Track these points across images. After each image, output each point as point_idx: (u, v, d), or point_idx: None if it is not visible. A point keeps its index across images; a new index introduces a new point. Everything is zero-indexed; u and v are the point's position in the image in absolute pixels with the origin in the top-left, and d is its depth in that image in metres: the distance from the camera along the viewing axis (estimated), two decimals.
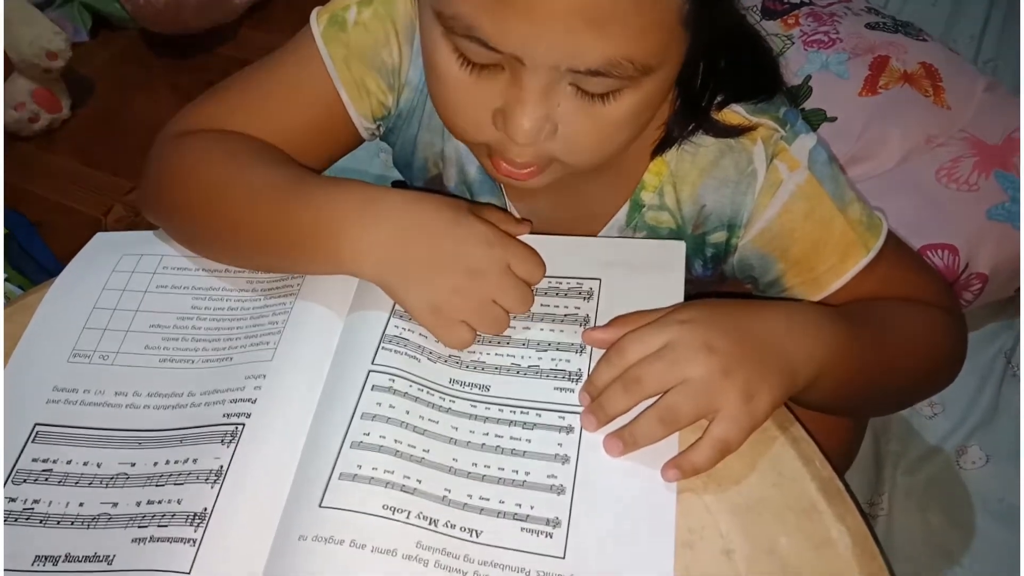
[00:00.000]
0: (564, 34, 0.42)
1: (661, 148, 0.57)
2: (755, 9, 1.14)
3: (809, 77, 1.04)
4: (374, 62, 0.59)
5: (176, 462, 0.47)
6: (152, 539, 0.44)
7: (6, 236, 1.27)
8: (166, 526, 0.44)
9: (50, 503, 0.46)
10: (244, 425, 0.48)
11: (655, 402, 0.46)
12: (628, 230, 0.60)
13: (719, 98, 0.55)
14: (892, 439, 0.99)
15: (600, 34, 0.42)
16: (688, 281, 0.64)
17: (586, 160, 0.50)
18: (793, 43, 1.08)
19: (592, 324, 0.51)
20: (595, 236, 0.61)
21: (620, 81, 0.45)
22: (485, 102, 0.48)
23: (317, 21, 0.59)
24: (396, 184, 0.78)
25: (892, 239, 0.58)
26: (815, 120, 1.01)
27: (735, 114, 0.55)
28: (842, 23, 1.11)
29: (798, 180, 0.55)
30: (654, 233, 0.60)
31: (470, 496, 0.45)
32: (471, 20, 0.43)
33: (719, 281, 0.66)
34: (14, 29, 1.45)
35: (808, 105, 1.02)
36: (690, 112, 0.55)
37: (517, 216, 0.64)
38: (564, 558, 0.43)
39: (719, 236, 0.59)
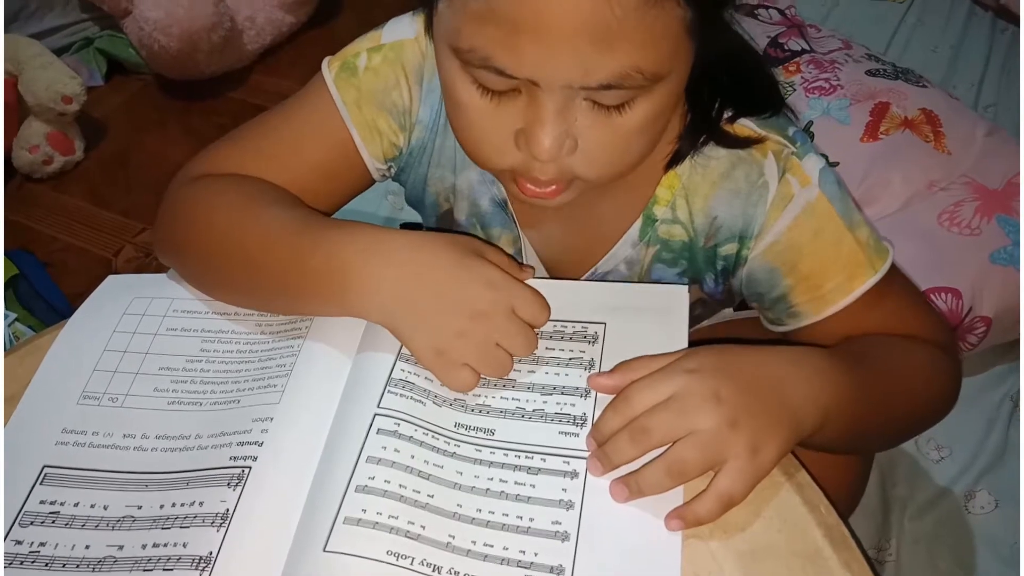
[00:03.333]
0: (574, 54, 0.44)
1: (673, 162, 0.58)
2: None
3: (811, 123, 1.06)
4: (385, 103, 0.61)
5: (182, 505, 0.47)
6: None
7: (16, 276, 1.29)
8: (171, 569, 0.44)
9: (56, 545, 0.46)
10: (251, 468, 0.48)
11: (663, 453, 0.46)
12: (641, 244, 0.61)
13: (728, 113, 0.56)
14: (899, 483, 0.99)
15: (608, 50, 0.44)
16: (699, 299, 0.65)
17: (607, 171, 0.51)
18: (795, 90, 1.10)
19: (597, 368, 0.52)
20: (608, 252, 0.62)
21: (633, 91, 0.46)
22: (506, 126, 0.49)
23: (329, 68, 0.61)
24: (405, 226, 0.79)
25: (897, 274, 0.58)
26: None
27: (745, 128, 0.57)
28: (843, 70, 1.13)
29: (809, 196, 0.56)
30: (667, 247, 0.61)
31: (474, 542, 0.45)
32: (486, 52, 0.45)
33: (729, 300, 0.66)
34: (31, 74, 1.48)
35: None
36: (701, 125, 0.56)
37: (528, 244, 0.66)
38: None
39: (730, 248, 0.59)
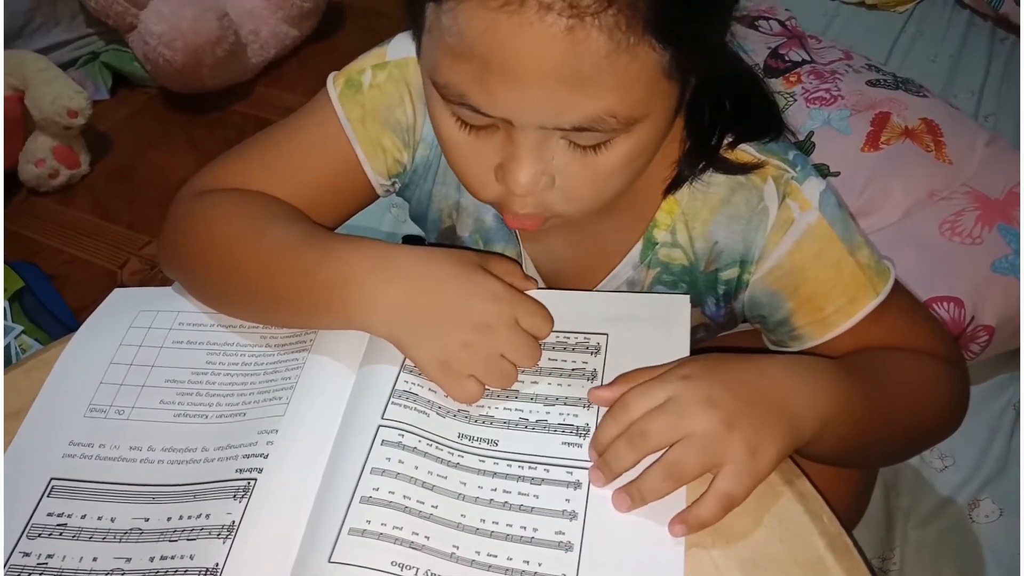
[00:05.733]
0: (546, 97, 0.44)
1: (673, 187, 0.58)
2: (757, 68, 1.17)
3: (812, 133, 1.06)
4: (389, 121, 0.61)
5: (189, 517, 0.47)
6: None
7: (22, 289, 1.30)
8: None
9: (64, 558, 0.47)
10: (256, 480, 0.48)
11: (660, 457, 0.46)
12: (642, 267, 0.62)
13: (729, 138, 0.57)
14: (903, 493, 0.98)
15: (580, 94, 0.44)
16: (701, 323, 0.65)
17: (585, 207, 0.52)
18: (795, 100, 1.11)
19: (600, 378, 0.52)
20: (610, 272, 0.63)
21: (608, 133, 0.47)
22: (486, 159, 0.50)
23: (334, 84, 0.61)
24: (408, 240, 0.80)
25: (900, 289, 0.58)
26: None
27: (744, 153, 0.57)
28: (843, 80, 1.14)
29: (809, 220, 0.56)
30: (667, 270, 0.61)
31: (478, 553, 0.45)
32: (461, 89, 0.46)
33: (731, 323, 0.66)
34: (37, 88, 1.49)
35: (811, 161, 1.04)
36: (700, 152, 0.57)
37: (530, 261, 0.66)
38: None
39: (731, 272, 0.60)
